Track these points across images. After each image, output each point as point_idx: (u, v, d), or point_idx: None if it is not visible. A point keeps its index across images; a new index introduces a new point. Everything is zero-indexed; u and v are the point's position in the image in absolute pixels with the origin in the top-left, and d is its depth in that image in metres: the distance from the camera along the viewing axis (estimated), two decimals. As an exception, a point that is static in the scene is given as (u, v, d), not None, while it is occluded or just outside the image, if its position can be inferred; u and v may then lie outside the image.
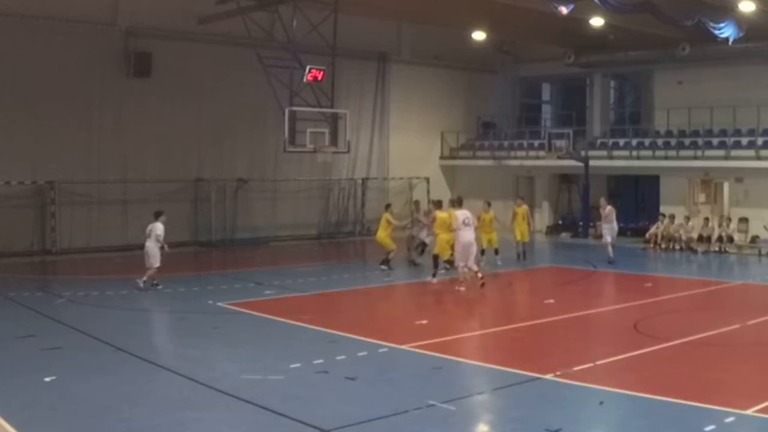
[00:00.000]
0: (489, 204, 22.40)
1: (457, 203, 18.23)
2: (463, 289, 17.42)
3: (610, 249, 22.03)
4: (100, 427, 8.68)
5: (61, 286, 18.58)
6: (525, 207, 23.51)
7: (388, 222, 20.96)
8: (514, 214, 23.25)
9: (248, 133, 27.70)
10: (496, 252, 21.98)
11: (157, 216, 17.69)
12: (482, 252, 21.26)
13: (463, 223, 17.48)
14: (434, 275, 18.76)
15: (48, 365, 11.00)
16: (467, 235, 17.43)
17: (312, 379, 10.50)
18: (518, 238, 22.92)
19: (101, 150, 24.77)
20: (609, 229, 22.19)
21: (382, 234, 20.98)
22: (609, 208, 22.38)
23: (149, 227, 17.50)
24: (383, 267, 20.63)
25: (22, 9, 22.49)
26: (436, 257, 18.99)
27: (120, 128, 25.00)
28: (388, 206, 22.09)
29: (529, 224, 23.49)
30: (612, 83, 34.49)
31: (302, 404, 9.36)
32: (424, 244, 21.14)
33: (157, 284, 17.46)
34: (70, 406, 9.37)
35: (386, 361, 11.70)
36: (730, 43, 24.34)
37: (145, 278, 17.26)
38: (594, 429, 8.89)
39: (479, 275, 17.39)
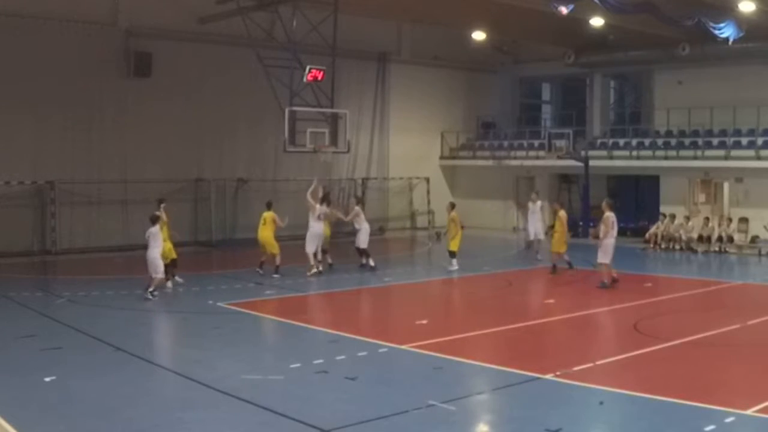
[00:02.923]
0: (452, 205, 20.88)
1: (320, 200, 20.17)
2: (314, 272, 19.43)
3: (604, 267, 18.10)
4: (100, 427, 8.68)
5: (61, 286, 18.58)
6: (562, 212, 20.76)
7: (274, 221, 19.54)
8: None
9: (248, 133, 27.71)
10: (451, 255, 20.52)
11: (153, 221, 16.48)
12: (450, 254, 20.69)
13: (318, 217, 19.87)
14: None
15: (48, 365, 11.00)
16: (316, 227, 19.79)
17: (312, 379, 10.51)
18: (552, 248, 20.66)
19: (101, 150, 24.76)
20: (605, 245, 17.92)
21: (268, 234, 19.51)
22: (608, 214, 18.04)
23: (147, 233, 16.40)
24: (275, 275, 19.18)
25: (22, 9, 22.50)
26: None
27: (120, 128, 24.99)
28: (270, 205, 20.19)
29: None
30: (612, 83, 34.50)
31: (302, 404, 9.36)
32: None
33: (153, 294, 16.33)
34: (70, 406, 9.37)
35: (386, 361, 11.71)
36: (730, 43, 24.33)
37: (152, 288, 16.30)
38: (594, 429, 8.89)
39: (318, 264, 19.76)
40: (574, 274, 20.23)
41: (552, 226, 21.34)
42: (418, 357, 11.69)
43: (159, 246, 16.32)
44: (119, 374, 10.73)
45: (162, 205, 17.89)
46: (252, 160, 27.98)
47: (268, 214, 19.81)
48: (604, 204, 18.64)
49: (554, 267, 20.42)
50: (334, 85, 22.83)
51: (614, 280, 17.86)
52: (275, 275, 19.27)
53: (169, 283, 17.48)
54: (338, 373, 10.73)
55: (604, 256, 17.87)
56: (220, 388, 9.94)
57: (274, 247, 19.56)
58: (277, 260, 19.50)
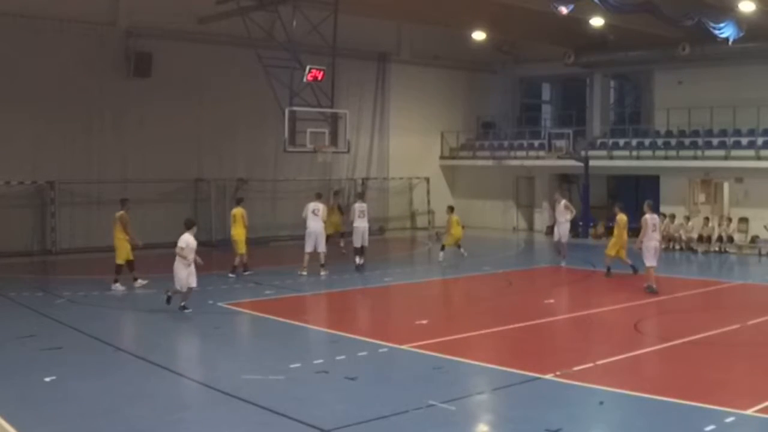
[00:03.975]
0: (451, 208, 22.94)
1: (315, 197, 20.44)
2: (305, 273, 19.25)
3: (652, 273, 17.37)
4: (100, 427, 8.67)
5: (61, 286, 18.56)
6: (622, 216, 19.81)
7: (243, 218, 19.37)
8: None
9: (248, 133, 27.70)
10: (442, 248, 22.60)
11: (188, 227, 14.96)
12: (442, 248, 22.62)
13: (313, 212, 19.56)
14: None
15: (48, 365, 11.00)
16: (312, 224, 19.45)
17: (312, 379, 10.51)
18: (609, 250, 19.83)
19: (101, 150, 24.77)
20: (646, 248, 17.31)
21: (238, 231, 19.30)
22: (647, 216, 17.49)
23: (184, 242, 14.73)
24: (246, 272, 19.20)
25: (22, 9, 22.47)
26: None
27: (120, 128, 25.00)
28: (240, 201, 20.26)
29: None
30: (612, 83, 34.52)
31: (302, 404, 9.36)
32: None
33: (185, 307, 14.89)
34: (70, 406, 9.37)
35: (386, 361, 11.72)
36: (730, 43, 24.34)
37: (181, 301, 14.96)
38: (594, 429, 8.89)
39: (321, 261, 19.67)
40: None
41: (609, 229, 20.36)
42: (418, 357, 11.69)
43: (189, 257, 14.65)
44: (119, 374, 10.73)
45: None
46: (252, 160, 27.98)
47: (237, 211, 19.60)
48: (645, 206, 17.92)
49: (633, 268, 19.24)
50: (334, 85, 22.82)
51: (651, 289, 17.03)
52: (230, 275, 19.17)
53: (119, 285, 17.30)
54: (338, 373, 10.72)
55: (649, 259, 17.15)
56: (220, 388, 9.93)
57: (241, 245, 19.34)
58: (236, 260, 19.35)
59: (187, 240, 14.58)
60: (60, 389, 9.99)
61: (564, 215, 21.74)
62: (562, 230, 21.78)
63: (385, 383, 10.51)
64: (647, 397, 9.50)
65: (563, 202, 22.08)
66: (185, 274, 14.53)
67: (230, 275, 19.21)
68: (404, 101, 32.26)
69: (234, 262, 19.41)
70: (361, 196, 23.27)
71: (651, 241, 17.31)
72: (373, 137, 31.86)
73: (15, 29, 22.59)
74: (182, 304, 14.86)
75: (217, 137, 27.05)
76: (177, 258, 14.60)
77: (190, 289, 14.72)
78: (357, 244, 20.70)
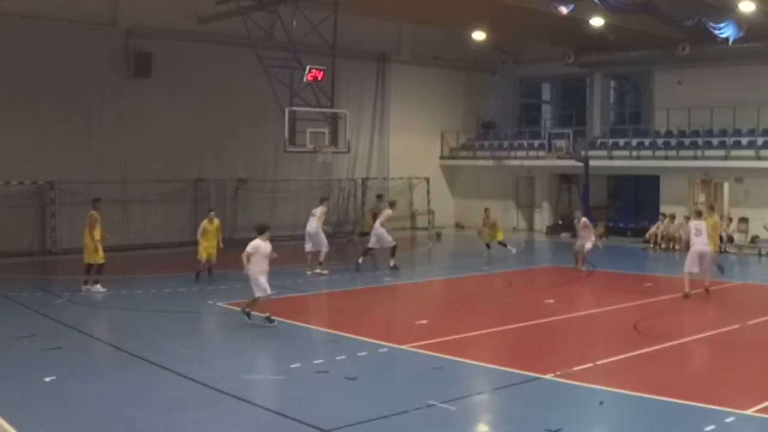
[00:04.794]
0: (488, 209, 24.61)
1: (319, 201, 20.99)
2: (310, 272, 19.83)
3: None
4: (100, 427, 8.67)
5: (61, 286, 18.56)
6: (715, 218, 18.83)
7: (205, 230, 18.77)
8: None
9: (248, 133, 27.71)
10: (491, 245, 23.90)
11: (260, 232, 14.17)
12: (488, 246, 23.84)
13: (311, 214, 20.33)
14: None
15: (48, 365, 10.99)
16: (307, 225, 20.22)
17: (312, 379, 10.50)
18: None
19: (101, 150, 24.77)
20: (691, 254, 17.00)
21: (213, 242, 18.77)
22: (691, 222, 17.55)
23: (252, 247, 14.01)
24: (196, 278, 18.59)
25: (22, 9, 22.49)
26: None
27: (120, 128, 25.00)
28: (210, 211, 19.90)
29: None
30: (612, 83, 34.51)
31: (302, 404, 9.36)
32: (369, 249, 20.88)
33: (270, 319, 13.85)
34: (70, 406, 9.37)
35: (386, 361, 11.71)
36: (730, 43, 24.33)
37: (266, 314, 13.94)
38: (594, 429, 8.89)
39: (318, 267, 20.02)
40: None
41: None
42: (418, 357, 11.69)
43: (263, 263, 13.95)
44: (119, 374, 10.73)
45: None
46: (252, 160, 27.99)
47: (211, 226, 18.87)
48: (694, 213, 18.00)
49: (721, 269, 18.88)
50: (334, 85, 22.84)
51: (685, 295, 16.56)
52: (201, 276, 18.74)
53: (89, 287, 16.95)
54: (338, 373, 10.72)
55: (687, 265, 16.97)
56: (220, 388, 9.93)
57: (212, 254, 18.74)
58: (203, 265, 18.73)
59: (256, 245, 13.85)
60: (60, 389, 9.99)
61: (585, 232, 20.86)
62: (586, 243, 20.77)
63: (385, 383, 10.51)
64: (647, 397, 9.50)
65: (583, 220, 21.20)
66: (264, 280, 13.84)
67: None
68: (404, 101, 32.26)
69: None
70: (391, 205, 22.07)
71: (693, 246, 16.86)
72: (373, 137, 31.87)
73: (15, 29, 22.58)
74: (266, 315, 13.81)
75: (217, 137, 27.06)
76: (254, 263, 13.84)
77: (257, 298, 13.96)
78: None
